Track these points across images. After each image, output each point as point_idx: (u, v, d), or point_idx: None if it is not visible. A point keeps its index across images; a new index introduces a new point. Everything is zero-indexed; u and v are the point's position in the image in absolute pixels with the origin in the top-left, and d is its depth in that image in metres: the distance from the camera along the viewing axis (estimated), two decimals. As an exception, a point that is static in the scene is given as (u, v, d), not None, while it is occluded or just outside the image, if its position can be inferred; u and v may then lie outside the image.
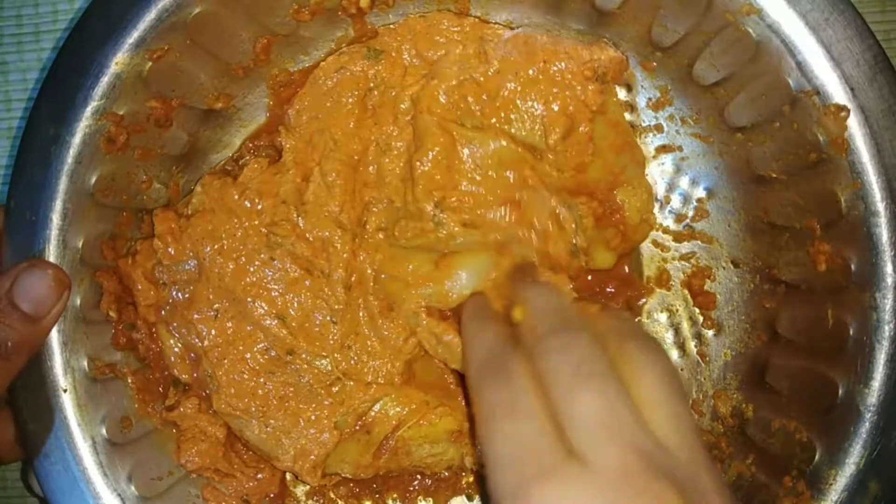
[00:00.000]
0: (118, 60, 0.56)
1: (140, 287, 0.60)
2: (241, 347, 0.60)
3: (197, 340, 0.61)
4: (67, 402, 0.57)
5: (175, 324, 0.61)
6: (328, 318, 0.61)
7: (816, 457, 0.56)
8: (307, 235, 0.61)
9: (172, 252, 0.60)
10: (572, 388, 0.43)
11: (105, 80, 0.56)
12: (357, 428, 0.61)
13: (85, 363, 0.58)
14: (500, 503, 0.42)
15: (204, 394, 0.62)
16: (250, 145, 0.65)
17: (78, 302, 0.58)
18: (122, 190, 0.60)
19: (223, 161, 0.65)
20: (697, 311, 0.66)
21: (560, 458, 0.41)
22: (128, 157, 0.59)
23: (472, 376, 0.49)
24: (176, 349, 0.61)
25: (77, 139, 0.56)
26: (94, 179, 0.57)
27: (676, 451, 0.42)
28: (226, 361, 0.60)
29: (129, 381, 0.61)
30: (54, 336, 0.57)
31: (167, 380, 0.63)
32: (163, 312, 0.61)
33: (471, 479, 0.67)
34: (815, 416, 0.57)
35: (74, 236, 0.57)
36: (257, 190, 0.61)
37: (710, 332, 0.65)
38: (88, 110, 0.56)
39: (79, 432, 0.57)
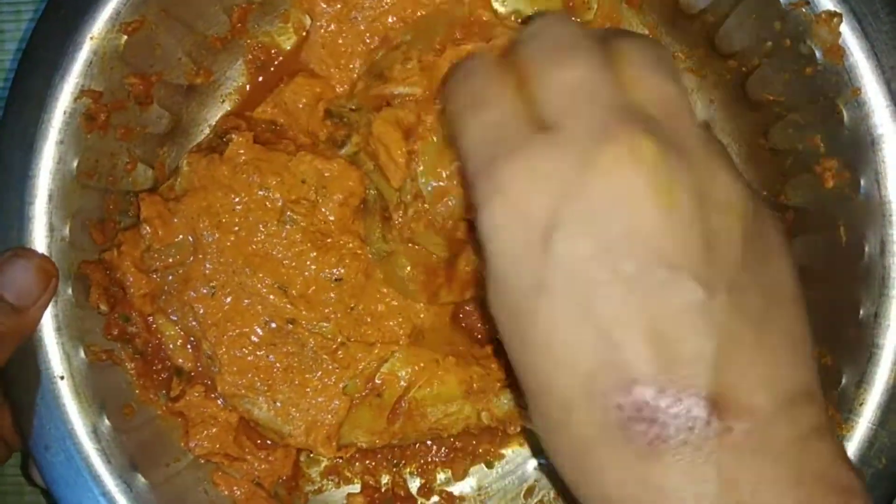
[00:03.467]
0: (93, 35, 0.55)
1: (131, 278, 0.59)
2: (239, 322, 0.59)
3: (194, 322, 0.59)
4: (65, 390, 0.55)
5: (171, 309, 0.59)
6: (332, 284, 0.59)
7: (843, 379, 0.54)
8: (329, 216, 0.59)
9: (161, 234, 0.59)
10: (549, 63, 0.39)
11: (81, 57, 0.55)
12: (367, 392, 0.59)
13: (81, 349, 0.56)
14: (471, 186, 0.39)
15: (208, 382, 0.60)
16: (230, 123, 0.63)
17: (70, 288, 0.56)
18: (106, 171, 0.59)
19: (205, 138, 0.64)
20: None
21: (531, 132, 0.38)
22: (110, 136, 0.58)
23: (446, 87, 0.46)
24: (177, 339, 0.60)
25: (57, 119, 0.55)
26: (76, 161, 0.56)
27: (662, 118, 0.38)
28: (225, 339, 0.59)
29: (129, 366, 0.59)
30: (48, 322, 0.55)
31: (168, 367, 0.61)
32: (161, 301, 0.60)
33: (488, 446, 0.65)
34: (837, 338, 0.55)
35: (60, 221, 0.56)
36: (255, 166, 0.59)
37: (721, 272, 0.63)
38: (67, 88, 0.55)
39: (79, 420, 0.55)
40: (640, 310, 0.35)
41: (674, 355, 0.35)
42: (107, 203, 0.59)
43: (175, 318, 0.59)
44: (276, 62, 0.64)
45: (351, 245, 0.59)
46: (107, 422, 0.56)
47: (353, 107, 0.59)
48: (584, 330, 0.36)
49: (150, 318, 0.60)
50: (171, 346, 0.60)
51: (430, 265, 0.58)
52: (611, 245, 0.36)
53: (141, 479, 0.56)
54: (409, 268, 0.58)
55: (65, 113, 0.55)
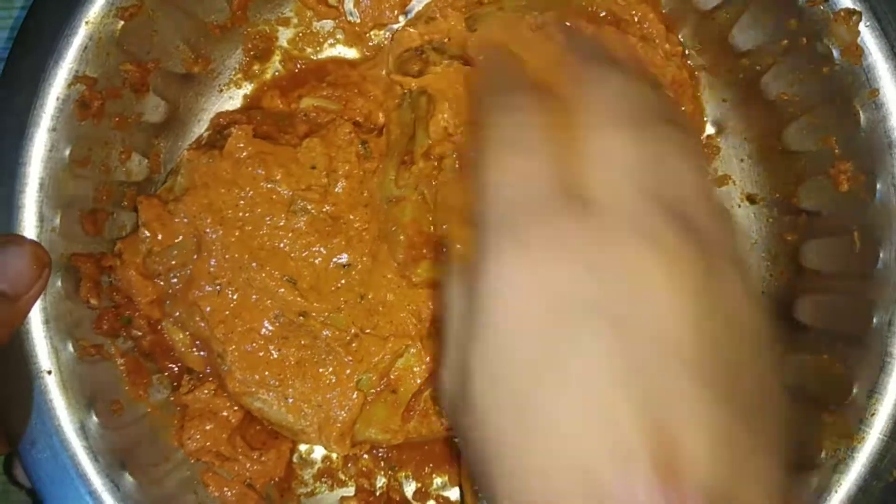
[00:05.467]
0: (89, 20, 0.54)
1: (136, 286, 0.57)
2: (248, 318, 0.57)
3: (202, 322, 0.57)
4: (52, 385, 0.54)
5: (178, 312, 0.58)
6: (340, 272, 0.57)
7: (855, 388, 0.52)
8: (340, 193, 0.58)
9: (162, 238, 0.57)
10: (604, 125, 0.37)
11: (76, 42, 0.54)
12: (382, 388, 0.57)
13: (69, 343, 0.55)
14: (482, 230, 0.37)
15: (218, 383, 0.59)
16: (227, 117, 0.62)
17: (59, 280, 0.55)
18: (100, 161, 0.57)
19: (202, 135, 0.62)
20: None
21: (564, 199, 0.36)
22: (104, 125, 0.56)
23: (477, 107, 0.43)
24: (186, 342, 0.58)
25: (50, 105, 0.54)
26: (69, 149, 0.55)
27: (704, 221, 0.37)
28: (234, 336, 0.57)
29: (119, 362, 0.58)
30: (35, 315, 0.53)
31: (166, 367, 0.60)
32: (167, 305, 0.58)
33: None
34: (849, 345, 0.53)
35: (51, 210, 0.54)
36: (260, 159, 0.57)
37: (730, 276, 0.62)
38: (61, 74, 0.54)
39: (66, 417, 0.54)
40: (648, 406, 0.34)
41: (676, 457, 0.33)
42: (100, 193, 0.57)
43: (182, 321, 0.58)
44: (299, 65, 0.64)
45: (357, 224, 0.58)
46: (94, 418, 0.54)
47: (437, 47, 0.58)
48: (592, 423, 0.34)
49: (159, 325, 0.59)
50: (181, 349, 0.58)
51: (423, 230, 0.57)
52: (631, 338, 0.34)
53: (129, 478, 0.55)
54: (409, 217, 0.57)
55: (58, 99, 0.54)
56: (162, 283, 0.58)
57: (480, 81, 0.48)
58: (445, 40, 0.56)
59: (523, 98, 0.41)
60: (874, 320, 0.52)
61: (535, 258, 0.35)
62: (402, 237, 0.57)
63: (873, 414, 0.51)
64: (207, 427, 0.58)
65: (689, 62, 0.61)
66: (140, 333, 0.58)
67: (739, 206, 0.62)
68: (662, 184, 0.37)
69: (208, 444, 0.58)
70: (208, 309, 0.57)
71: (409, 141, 0.57)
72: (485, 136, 0.41)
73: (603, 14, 0.58)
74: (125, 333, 0.58)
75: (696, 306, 0.35)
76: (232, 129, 0.59)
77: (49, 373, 0.54)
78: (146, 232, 0.57)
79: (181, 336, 0.58)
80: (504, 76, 0.45)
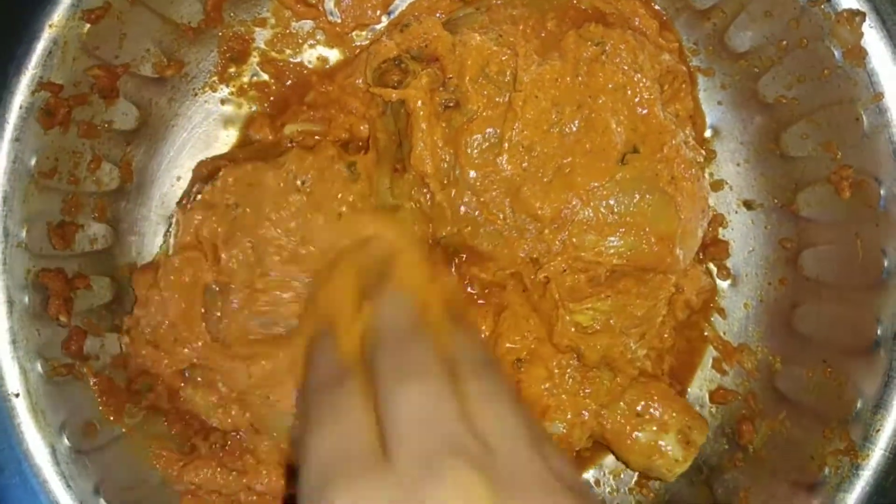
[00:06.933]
0: (52, 23, 0.52)
1: (151, 362, 0.55)
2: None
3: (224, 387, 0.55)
4: (21, 408, 0.52)
5: (200, 378, 0.55)
6: None
7: (858, 403, 0.51)
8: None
9: (169, 311, 0.55)
10: (395, 385, 0.40)
11: (40, 46, 0.52)
12: None
13: (38, 364, 0.53)
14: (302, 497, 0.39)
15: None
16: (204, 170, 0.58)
17: (26, 297, 0.52)
18: (67, 171, 0.55)
19: (187, 191, 0.59)
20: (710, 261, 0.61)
21: (371, 458, 0.38)
22: (71, 133, 0.54)
23: (307, 392, 0.46)
24: (209, 406, 0.56)
25: (13, 115, 0.52)
26: (34, 160, 0.52)
27: (498, 442, 0.38)
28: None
29: (91, 382, 0.55)
30: (2, 335, 0.51)
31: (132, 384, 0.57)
32: (185, 374, 0.56)
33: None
34: (852, 358, 0.52)
35: (17, 224, 0.52)
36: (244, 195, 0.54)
37: (726, 283, 0.60)
38: (23, 81, 0.52)
39: (36, 441, 0.52)
40: None
41: None
42: (68, 205, 0.55)
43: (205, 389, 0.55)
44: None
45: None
46: (66, 442, 0.52)
47: (415, 55, 0.55)
48: None
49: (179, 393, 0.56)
50: (207, 411, 0.55)
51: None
52: None
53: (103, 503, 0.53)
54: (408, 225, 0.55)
55: (21, 108, 0.52)
56: (187, 349, 0.55)
57: None
58: (424, 46, 0.54)
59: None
60: (878, 332, 0.51)
61: None
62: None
63: (878, 430, 0.50)
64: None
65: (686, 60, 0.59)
66: (158, 395, 0.57)
67: (736, 211, 0.60)
68: (461, 420, 0.39)
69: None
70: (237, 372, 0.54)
71: (397, 148, 0.55)
72: (308, 411, 0.43)
73: (585, 8, 0.56)
74: (145, 401, 0.56)
75: None
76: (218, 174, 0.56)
77: (17, 396, 0.51)
78: (143, 311, 0.55)
79: (202, 399, 0.55)
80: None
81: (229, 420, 0.55)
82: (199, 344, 0.54)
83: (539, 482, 0.38)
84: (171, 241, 0.56)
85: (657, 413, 0.54)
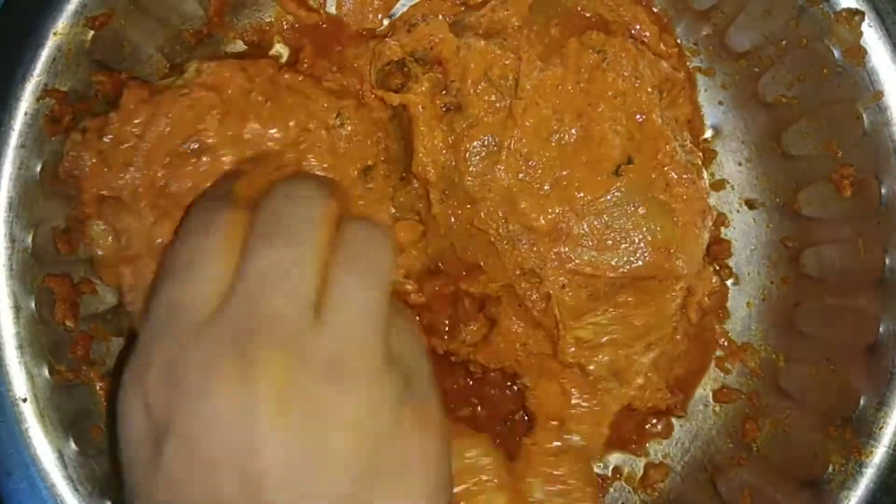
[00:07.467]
0: (57, 30, 0.52)
1: (91, 169, 0.52)
2: None
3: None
4: (28, 412, 0.52)
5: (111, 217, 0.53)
6: None
7: (862, 400, 0.51)
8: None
9: (138, 123, 0.52)
10: (260, 240, 0.39)
11: (44, 53, 0.52)
12: None
13: (45, 368, 0.53)
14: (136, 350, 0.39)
15: None
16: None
17: (33, 302, 0.53)
18: (73, 177, 0.55)
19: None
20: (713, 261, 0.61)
21: (205, 309, 0.38)
22: (76, 139, 0.54)
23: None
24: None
25: (18, 121, 0.52)
26: (39, 166, 0.53)
27: (333, 316, 0.38)
28: None
29: (97, 386, 0.56)
30: (9, 340, 0.52)
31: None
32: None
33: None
34: (855, 356, 0.52)
35: (23, 230, 0.53)
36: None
37: (729, 283, 0.61)
38: (28, 87, 0.52)
39: (43, 445, 0.52)
40: None
41: None
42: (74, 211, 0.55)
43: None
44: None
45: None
46: (73, 446, 0.53)
47: (419, 57, 0.55)
48: None
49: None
50: (95, 260, 0.54)
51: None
52: (212, 465, 0.36)
53: (112, 507, 0.53)
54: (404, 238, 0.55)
55: (26, 114, 0.52)
56: (129, 176, 0.52)
57: None
58: (429, 48, 0.54)
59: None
60: (881, 329, 0.51)
61: (143, 387, 0.39)
62: None
63: (882, 427, 0.50)
64: None
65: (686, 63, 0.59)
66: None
67: (738, 211, 0.60)
68: (302, 289, 0.39)
69: None
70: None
71: (405, 154, 0.55)
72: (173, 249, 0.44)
73: (589, 16, 0.56)
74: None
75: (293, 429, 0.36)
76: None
77: (24, 400, 0.52)
78: (117, 115, 0.52)
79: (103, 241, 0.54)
80: None
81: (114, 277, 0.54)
82: (142, 175, 0.52)
83: (361, 361, 0.37)
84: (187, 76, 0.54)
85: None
